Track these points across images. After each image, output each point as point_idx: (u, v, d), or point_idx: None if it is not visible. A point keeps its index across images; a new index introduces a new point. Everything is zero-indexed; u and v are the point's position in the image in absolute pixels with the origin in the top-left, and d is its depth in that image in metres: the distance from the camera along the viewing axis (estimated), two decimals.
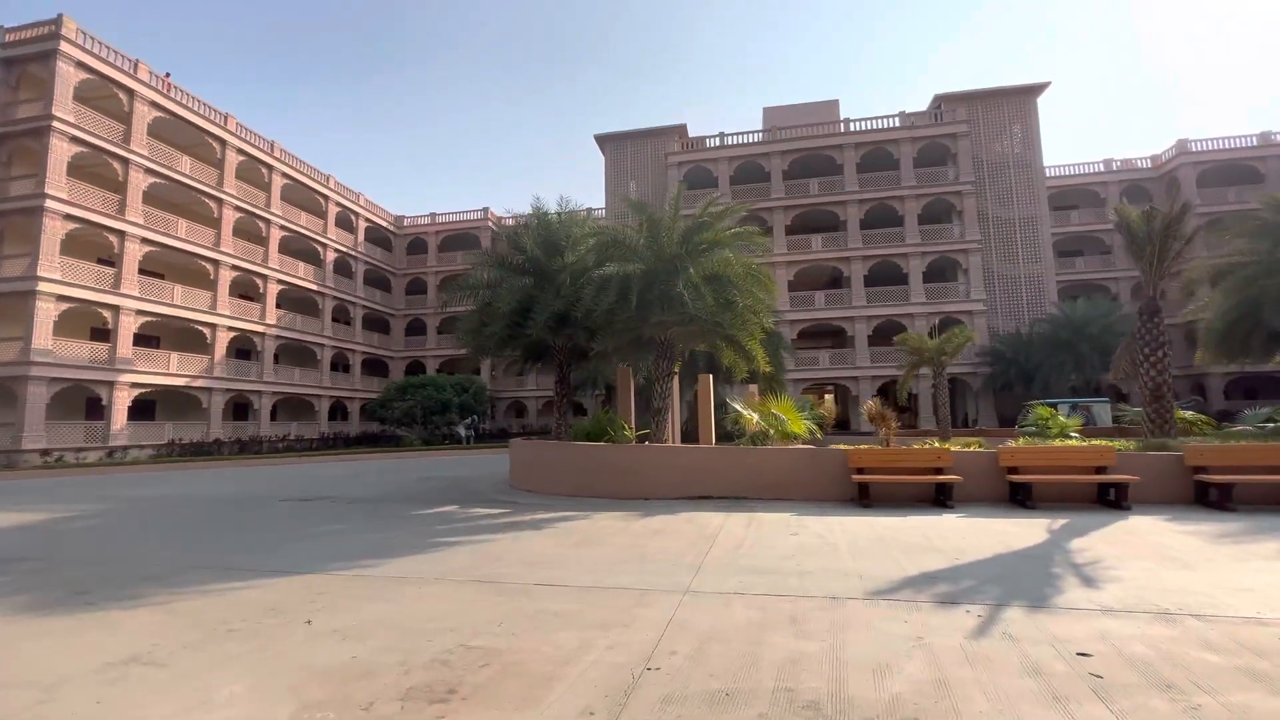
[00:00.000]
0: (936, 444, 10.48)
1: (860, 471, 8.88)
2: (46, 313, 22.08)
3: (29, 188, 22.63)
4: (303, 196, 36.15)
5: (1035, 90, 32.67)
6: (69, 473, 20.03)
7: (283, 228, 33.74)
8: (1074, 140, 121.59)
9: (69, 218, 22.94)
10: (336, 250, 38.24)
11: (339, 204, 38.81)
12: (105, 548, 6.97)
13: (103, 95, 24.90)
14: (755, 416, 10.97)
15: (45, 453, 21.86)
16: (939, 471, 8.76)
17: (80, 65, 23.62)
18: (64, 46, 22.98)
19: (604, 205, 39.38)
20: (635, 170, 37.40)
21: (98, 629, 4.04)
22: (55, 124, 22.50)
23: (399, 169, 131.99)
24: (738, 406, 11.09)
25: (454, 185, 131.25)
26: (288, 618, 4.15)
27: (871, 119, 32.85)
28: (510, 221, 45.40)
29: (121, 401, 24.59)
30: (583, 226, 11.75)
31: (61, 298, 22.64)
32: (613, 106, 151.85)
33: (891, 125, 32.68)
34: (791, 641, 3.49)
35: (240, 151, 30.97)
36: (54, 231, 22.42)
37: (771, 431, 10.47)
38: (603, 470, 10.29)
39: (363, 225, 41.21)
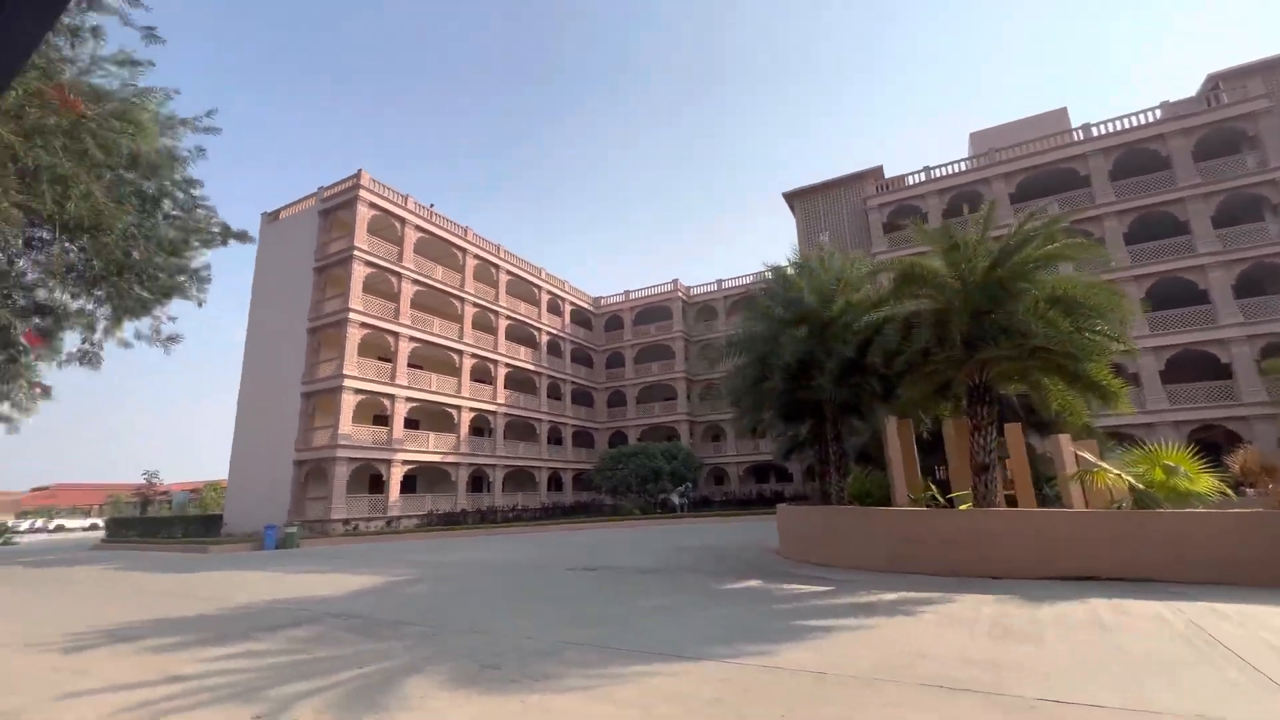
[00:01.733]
0: None
1: None
2: (348, 404, 26.82)
3: (338, 305, 28.31)
4: (521, 289, 40.79)
5: None
6: (365, 539, 23.28)
7: (508, 317, 38.10)
8: None
9: (363, 325, 28.12)
10: (549, 333, 42.08)
11: (549, 292, 43.07)
12: (463, 615, 7.14)
13: (383, 226, 30.85)
14: (1116, 471, 8.55)
15: (346, 522, 25.86)
16: None
17: (371, 205, 29.65)
18: (361, 193, 29.10)
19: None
20: (829, 222, 36.12)
21: (563, 716, 3.64)
22: (356, 253, 28.18)
23: (587, 249, 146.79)
24: (1088, 457, 8.77)
25: (636, 260, 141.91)
26: None
27: (1120, 118, 27.95)
28: (699, 291, 46.68)
29: (395, 477, 28.55)
30: (855, 268, 10.78)
31: (358, 390, 27.41)
32: (794, 167, 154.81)
33: (1150, 120, 27.39)
34: None
35: (476, 256, 36.08)
36: (354, 338, 27.57)
37: (1157, 491, 7.97)
38: (924, 540, 8.63)
39: (568, 309, 45.12)
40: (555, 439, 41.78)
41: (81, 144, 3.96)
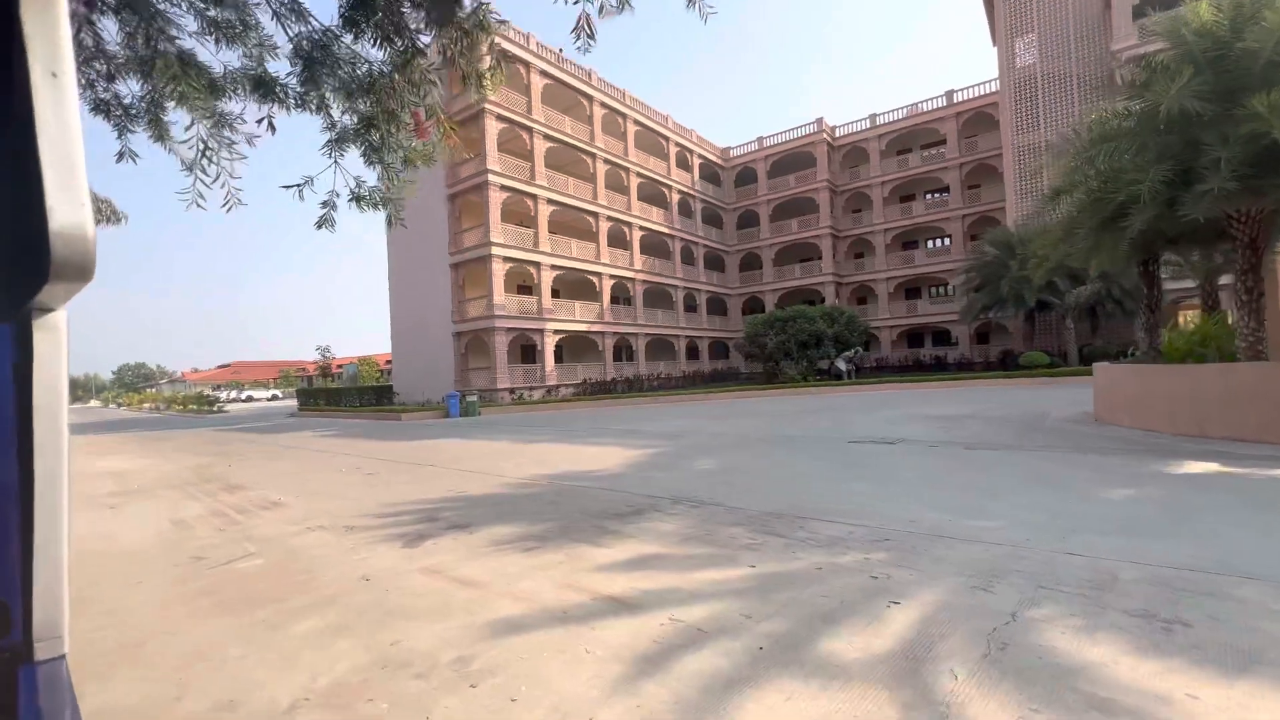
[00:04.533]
0: None
1: None
2: (498, 273, 25.88)
3: (474, 166, 26.45)
4: (649, 142, 36.90)
5: None
6: (532, 409, 23.20)
7: (639, 175, 34.85)
8: None
9: (503, 187, 26.28)
10: (679, 191, 38.53)
11: (677, 144, 38.80)
12: (845, 499, 5.29)
13: (509, 72, 27.67)
14: None
15: (511, 391, 26.07)
16: None
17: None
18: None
19: (998, 70, 31.06)
20: (1047, 13, 27.95)
21: None
22: (487, 105, 25.61)
23: (711, 87, 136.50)
24: None
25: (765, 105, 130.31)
26: None
27: None
28: (846, 133, 40.14)
29: (549, 346, 28.13)
30: None
31: (506, 258, 26.30)
32: None
33: None
34: None
35: (603, 105, 32.35)
36: (496, 201, 25.92)
37: None
38: None
39: (696, 163, 40.83)
40: (690, 306, 39.90)
41: None
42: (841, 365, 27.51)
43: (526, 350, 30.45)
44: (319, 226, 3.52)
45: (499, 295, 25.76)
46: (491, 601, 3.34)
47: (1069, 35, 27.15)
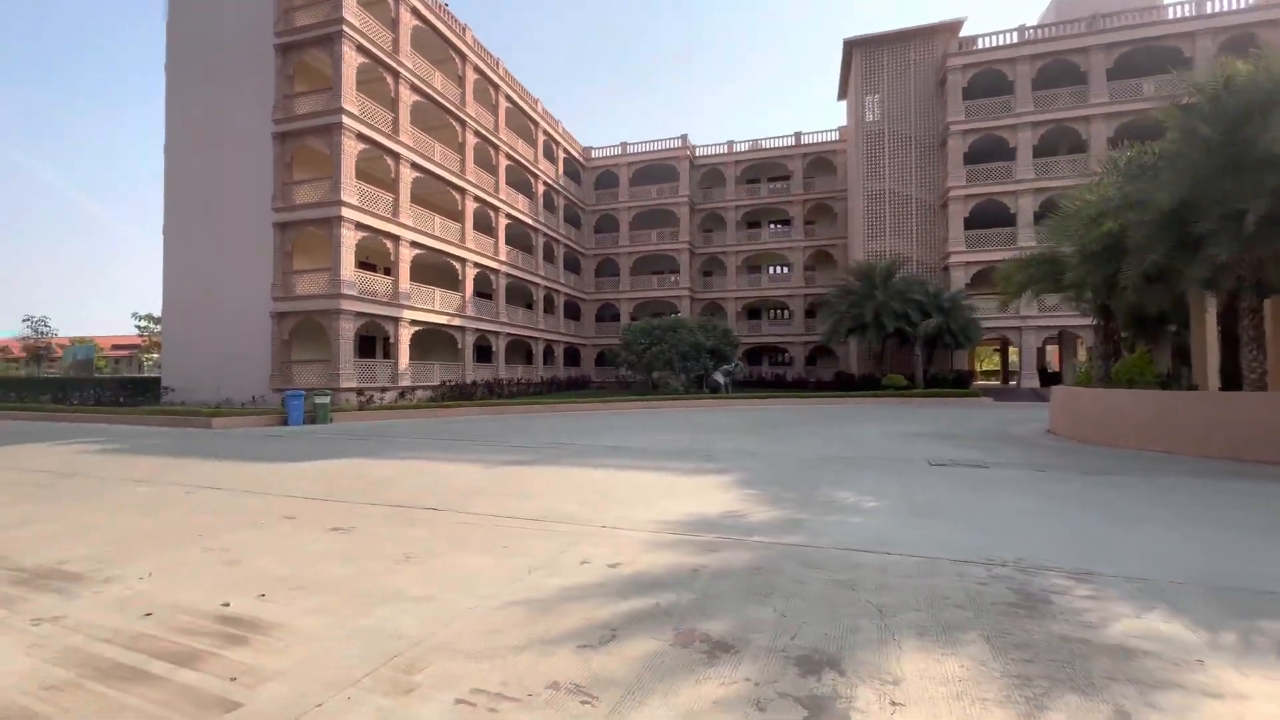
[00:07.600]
0: None
1: None
2: (348, 242, 20.48)
3: (319, 104, 20.67)
4: (519, 123, 33.54)
5: None
6: (386, 415, 18.57)
7: (508, 156, 31.31)
8: None
9: (360, 136, 20.95)
10: (545, 183, 35.69)
11: (545, 132, 36.01)
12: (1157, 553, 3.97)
13: (374, 0, 22.45)
14: None
15: (360, 393, 20.71)
16: None
17: None
18: None
19: (848, 121, 34.42)
20: (890, 81, 31.81)
21: None
22: (346, 28, 20.24)
23: (576, 90, 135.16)
24: None
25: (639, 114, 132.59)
26: None
27: None
28: (706, 154, 41.38)
29: (404, 339, 23.20)
30: None
31: (359, 225, 20.96)
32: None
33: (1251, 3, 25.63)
34: None
35: (476, 70, 28.32)
36: (350, 152, 20.51)
37: None
38: None
39: (561, 157, 38.42)
40: (548, 308, 37.12)
41: None
42: (720, 378, 27.57)
43: (366, 343, 24.86)
44: None
45: (347, 269, 20.36)
46: None
47: (910, 103, 31.40)
